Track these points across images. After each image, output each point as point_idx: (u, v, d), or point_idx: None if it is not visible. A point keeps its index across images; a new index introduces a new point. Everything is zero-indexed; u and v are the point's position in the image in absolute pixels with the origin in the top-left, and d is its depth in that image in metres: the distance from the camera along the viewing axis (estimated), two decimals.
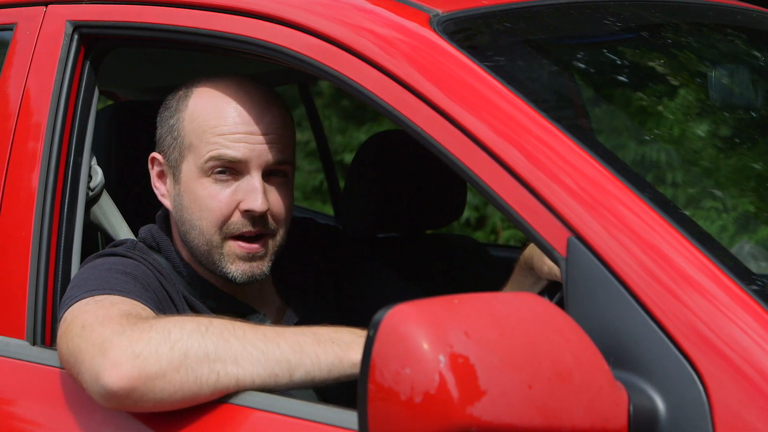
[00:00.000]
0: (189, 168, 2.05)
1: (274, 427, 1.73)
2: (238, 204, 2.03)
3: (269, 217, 2.04)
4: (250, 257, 2.04)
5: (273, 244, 2.07)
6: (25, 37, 2.22)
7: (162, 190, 2.12)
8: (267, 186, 2.04)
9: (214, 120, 2.04)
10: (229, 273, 2.05)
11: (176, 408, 1.74)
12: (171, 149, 2.09)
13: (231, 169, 2.03)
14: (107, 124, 2.64)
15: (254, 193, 2.02)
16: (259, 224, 2.04)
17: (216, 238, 2.04)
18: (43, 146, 2.11)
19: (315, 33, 1.88)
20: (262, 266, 2.06)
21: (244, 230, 2.03)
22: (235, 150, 2.01)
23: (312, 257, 2.28)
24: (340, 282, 2.29)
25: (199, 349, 1.71)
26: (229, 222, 2.03)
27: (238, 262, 2.05)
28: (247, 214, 2.03)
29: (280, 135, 2.05)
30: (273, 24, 1.93)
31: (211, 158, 2.02)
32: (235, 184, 2.03)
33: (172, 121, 2.09)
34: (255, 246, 2.04)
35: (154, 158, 2.13)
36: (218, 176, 2.03)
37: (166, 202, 2.12)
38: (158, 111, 2.17)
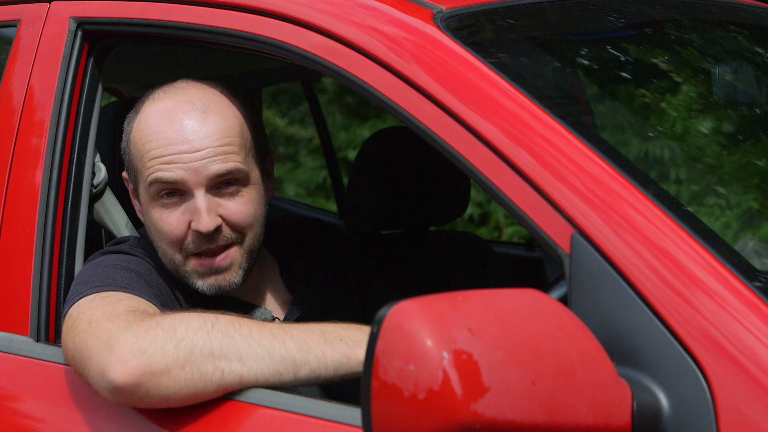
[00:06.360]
0: (142, 192, 2.05)
1: (276, 423, 1.73)
2: (190, 223, 2.00)
3: (228, 228, 2.01)
4: (214, 271, 2.02)
5: (241, 252, 2.03)
6: (28, 34, 2.22)
7: (138, 207, 2.11)
8: (218, 200, 2.01)
9: (148, 143, 2.01)
10: (198, 288, 2.04)
11: (181, 405, 1.75)
12: (129, 171, 2.09)
13: (175, 190, 2.00)
14: (111, 121, 2.64)
15: (198, 213, 1.99)
16: (215, 240, 2.01)
17: (178, 257, 2.03)
18: (47, 143, 2.11)
19: (319, 30, 1.88)
20: (229, 277, 2.03)
21: (203, 248, 2.01)
22: (170, 172, 1.98)
23: (322, 257, 2.27)
24: (354, 281, 2.28)
25: (204, 346, 1.72)
26: (185, 242, 2.01)
27: (204, 278, 2.03)
28: (198, 233, 2.00)
29: (219, 147, 2.00)
30: (278, 21, 1.93)
31: (152, 183, 2.00)
32: (183, 206, 2.01)
33: (123, 144, 2.10)
34: (216, 260, 2.02)
35: (125, 177, 2.13)
36: (165, 200, 2.01)
37: (142, 218, 2.10)
38: None
